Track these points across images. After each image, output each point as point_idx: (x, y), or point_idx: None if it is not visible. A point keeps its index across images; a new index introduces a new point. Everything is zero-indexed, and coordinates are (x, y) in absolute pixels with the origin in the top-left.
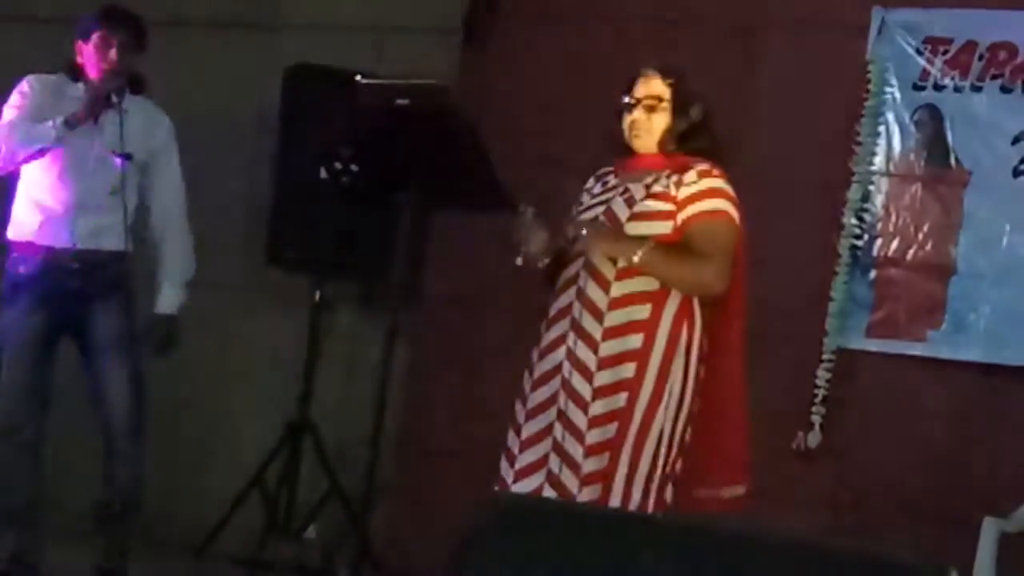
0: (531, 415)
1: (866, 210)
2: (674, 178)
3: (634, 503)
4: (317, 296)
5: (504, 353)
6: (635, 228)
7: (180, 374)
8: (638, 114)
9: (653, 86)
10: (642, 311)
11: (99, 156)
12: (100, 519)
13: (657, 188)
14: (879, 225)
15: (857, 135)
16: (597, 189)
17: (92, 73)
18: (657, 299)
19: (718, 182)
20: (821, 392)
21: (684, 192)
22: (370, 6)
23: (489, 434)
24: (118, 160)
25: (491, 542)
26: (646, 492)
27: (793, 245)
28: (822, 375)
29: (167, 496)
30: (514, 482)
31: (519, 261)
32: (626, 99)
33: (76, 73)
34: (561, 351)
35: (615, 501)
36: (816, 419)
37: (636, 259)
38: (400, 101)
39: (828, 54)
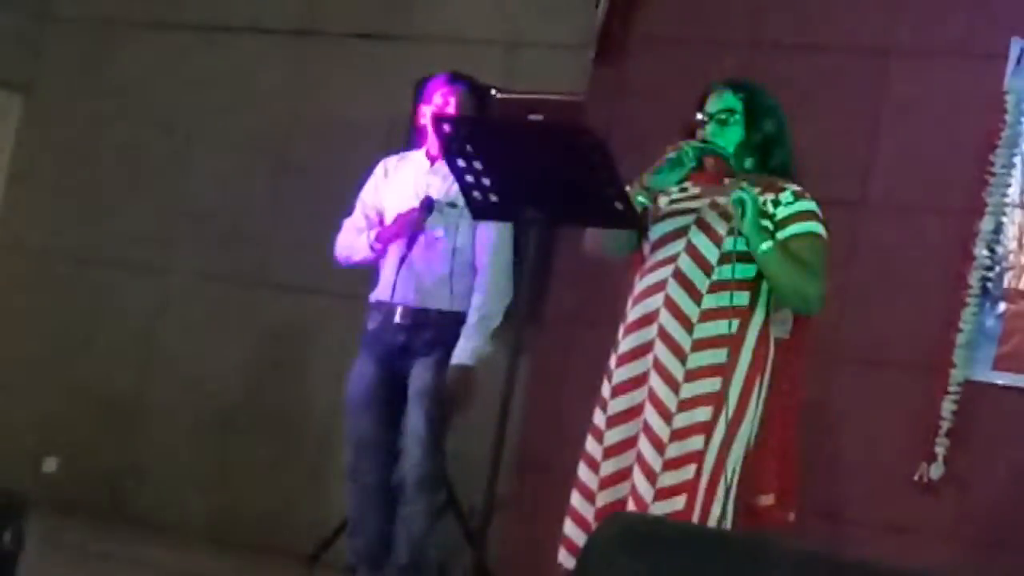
0: (613, 423)
1: (998, 242)
2: (771, 196)
3: (714, 517)
4: None
5: None
6: (734, 245)
7: (299, 381)
8: (712, 129)
9: (725, 100)
10: (731, 326)
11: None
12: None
13: None
14: (1011, 257)
15: (991, 166)
16: (675, 192)
17: (430, 143)
18: (744, 315)
19: (813, 204)
20: (946, 424)
21: (782, 212)
22: (502, 20)
23: None
24: (444, 209)
25: (608, 562)
26: (724, 508)
27: (922, 275)
28: (947, 407)
29: (284, 503)
30: (600, 490)
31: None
32: (699, 115)
33: (421, 136)
34: (647, 359)
35: (696, 513)
36: (940, 451)
37: (764, 246)
38: (534, 116)
39: (963, 83)
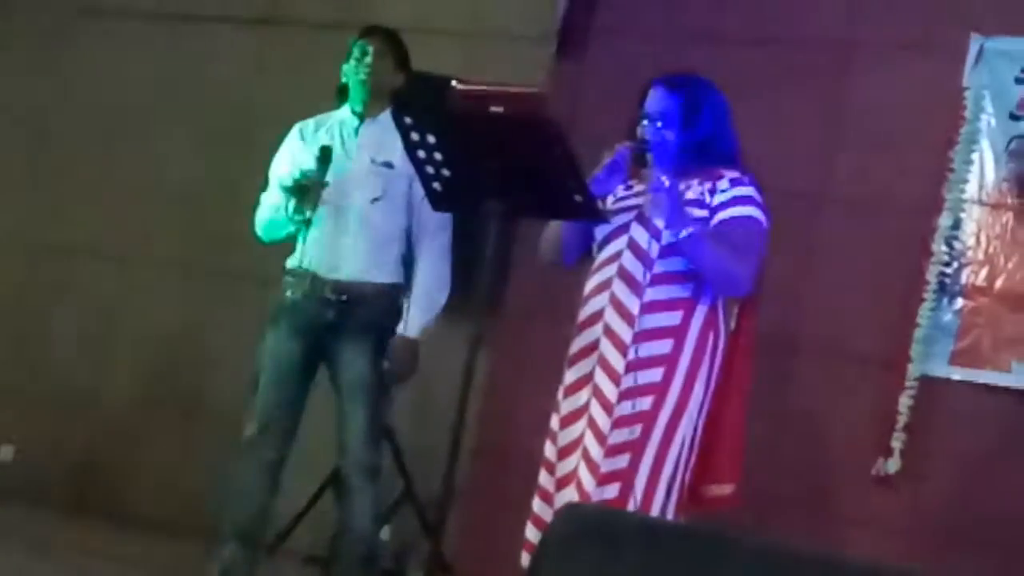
0: (564, 423)
1: (956, 238)
2: (708, 185)
3: (657, 506)
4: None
5: None
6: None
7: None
8: (650, 128)
9: (660, 101)
10: (673, 317)
11: (359, 171)
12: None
13: (691, 195)
14: (968, 253)
15: (950, 162)
16: (620, 190)
17: (351, 101)
18: (687, 306)
19: (750, 190)
20: (903, 419)
21: (718, 199)
22: (463, 11)
23: None
24: (380, 169)
25: (566, 553)
26: (668, 494)
27: (880, 270)
28: (904, 401)
29: None
30: (557, 491)
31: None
32: (641, 113)
33: (343, 95)
34: (593, 356)
35: (635, 502)
36: (896, 445)
37: (684, 233)
38: (494, 108)
39: (924, 79)
